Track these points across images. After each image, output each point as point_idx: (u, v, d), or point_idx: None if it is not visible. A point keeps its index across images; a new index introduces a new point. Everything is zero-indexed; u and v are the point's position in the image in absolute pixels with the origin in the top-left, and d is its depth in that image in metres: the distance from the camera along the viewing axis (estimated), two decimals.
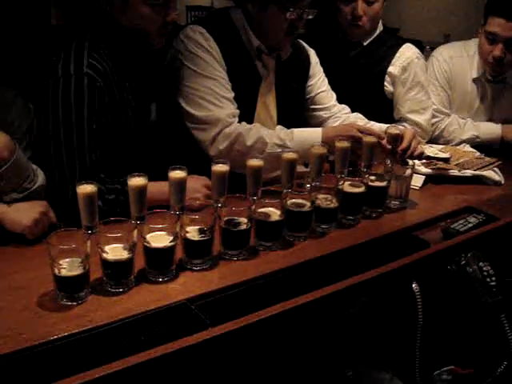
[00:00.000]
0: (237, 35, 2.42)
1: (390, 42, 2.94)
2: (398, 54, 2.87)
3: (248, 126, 2.33)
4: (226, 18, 2.45)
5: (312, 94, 2.72)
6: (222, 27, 2.41)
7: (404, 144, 2.31)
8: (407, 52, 2.88)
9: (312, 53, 2.76)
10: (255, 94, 2.47)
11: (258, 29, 2.40)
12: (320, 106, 2.73)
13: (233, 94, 2.35)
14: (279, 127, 2.38)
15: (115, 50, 2.07)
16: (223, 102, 2.30)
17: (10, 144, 1.76)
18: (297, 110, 2.70)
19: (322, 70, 2.77)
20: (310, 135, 2.35)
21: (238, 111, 2.35)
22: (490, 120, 3.06)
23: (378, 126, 2.52)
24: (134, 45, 2.10)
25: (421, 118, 2.88)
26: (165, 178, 1.88)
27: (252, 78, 2.45)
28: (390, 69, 2.86)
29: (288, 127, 2.43)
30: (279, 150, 2.27)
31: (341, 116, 2.71)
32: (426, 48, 6.46)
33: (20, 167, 1.79)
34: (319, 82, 2.74)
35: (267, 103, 2.53)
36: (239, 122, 2.35)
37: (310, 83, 2.71)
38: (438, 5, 9.13)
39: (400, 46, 2.91)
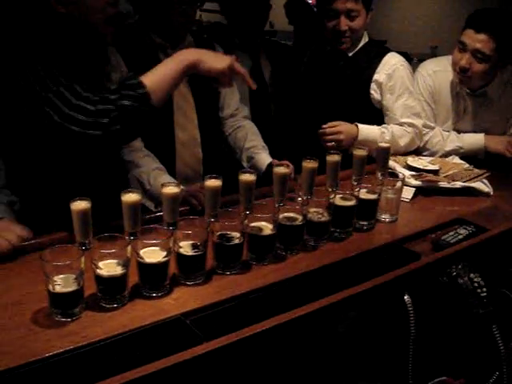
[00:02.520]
0: (139, 36, 2.55)
1: (375, 52, 2.97)
2: (382, 62, 2.90)
3: (137, 145, 2.41)
4: (130, 24, 2.61)
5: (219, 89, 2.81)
6: (125, 32, 2.54)
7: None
8: (391, 60, 2.91)
9: (218, 47, 2.83)
10: None
11: (156, 26, 2.53)
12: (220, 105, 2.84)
13: None
14: (154, 167, 2.41)
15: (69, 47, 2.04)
16: None
17: None
18: (214, 101, 2.80)
19: None
20: (166, 179, 2.32)
21: None
22: (473, 132, 3.08)
23: None
24: (85, 37, 2.07)
25: (416, 121, 2.91)
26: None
27: None
28: (376, 76, 2.89)
29: (207, 116, 2.70)
30: (140, 185, 2.34)
31: (234, 123, 2.85)
32: (413, 60, 6.51)
33: None
34: None
35: (184, 94, 2.62)
36: (160, 112, 2.45)
37: None
38: (425, 17, 9.21)
39: (384, 54, 2.94)
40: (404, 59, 2.97)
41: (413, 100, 2.89)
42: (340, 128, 2.75)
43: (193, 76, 2.58)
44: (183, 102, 2.61)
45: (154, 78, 1.86)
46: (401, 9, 9.65)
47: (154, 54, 2.54)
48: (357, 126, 2.79)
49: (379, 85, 2.88)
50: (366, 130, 2.75)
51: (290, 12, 6.62)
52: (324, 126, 2.73)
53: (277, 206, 1.99)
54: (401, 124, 2.89)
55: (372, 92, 2.90)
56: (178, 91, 2.56)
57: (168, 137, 2.58)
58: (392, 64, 2.89)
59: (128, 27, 2.57)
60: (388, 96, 2.87)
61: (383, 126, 2.88)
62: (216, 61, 1.93)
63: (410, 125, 2.88)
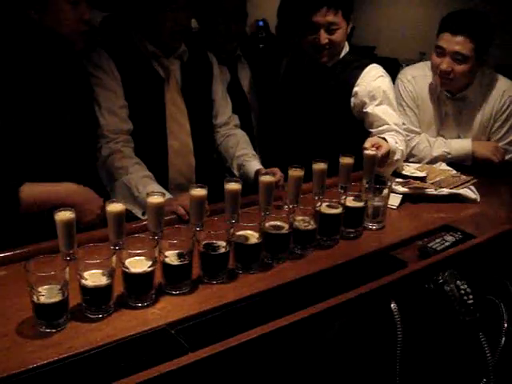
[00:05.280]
0: (133, 44, 2.55)
1: (356, 64, 2.93)
2: (362, 75, 2.86)
3: (128, 153, 2.44)
4: (122, 30, 2.62)
5: (213, 97, 2.83)
6: (118, 40, 2.58)
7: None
8: (371, 71, 2.87)
9: (211, 55, 2.86)
10: (161, 94, 2.57)
11: (148, 34, 2.53)
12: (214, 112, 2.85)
13: (120, 105, 2.47)
14: (143, 174, 2.40)
15: (34, 53, 2.09)
16: (108, 115, 2.44)
17: None
18: (207, 109, 2.81)
19: (219, 77, 2.88)
20: (154, 188, 2.31)
21: (126, 127, 2.48)
22: (457, 137, 3.10)
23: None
24: (54, 48, 2.12)
25: (399, 129, 2.84)
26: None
27: (154, 80, 2.57)
28: (356, 89, 2.84)
29: (200, 124, 2.70)
30: (129, 191, 2.33)
31: (226, 132, 2.87)
32: (402, 66, 6.52)
33: None
34: (218, 88, 2.85)
35: (177, 102, 2.62)
36: (152, 120, 2.55)
37: (213, 84, 2.82)
38: (414, 23, 9.22)
39: (365, 66, 2.89)
40: (384, 71, 2.92)
41: (392, 110, 2.85)
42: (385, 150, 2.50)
43: (185, 84, 2.59)
44: (176, 110, 2.61)
45: (32, 193, 1.94)
46: (390, 15, 9.66)
47: (147, 62, 2.54)
48: (385, 139, 2.57)
49: (360, 96, 2.82)
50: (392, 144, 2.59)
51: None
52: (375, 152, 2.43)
53: (263, 214, 1.99)
54: (389, 129, 2.82)
55: (353, 105, 2.85)
56: (170, 99, 2.57)
57: (160, 145, 2.58)
58: (372, 75, 2.85)
59: (122, 35, 2.58)
60: (369, 105, 2.80)
61: (388, 135, 2.68)
62: (84, 214, 2.00)
63: (397, 132, 2.83)
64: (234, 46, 3.08)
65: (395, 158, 2.59)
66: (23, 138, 2.03)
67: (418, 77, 3.10)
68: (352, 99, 2.85)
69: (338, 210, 2.05)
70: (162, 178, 2.46)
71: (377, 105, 2.79)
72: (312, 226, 1.98)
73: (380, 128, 2.74)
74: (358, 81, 2.85)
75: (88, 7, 2.14)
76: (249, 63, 3.22)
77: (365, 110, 2.81)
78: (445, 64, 2.85)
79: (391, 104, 2.82)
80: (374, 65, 2.92)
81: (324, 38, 2.77)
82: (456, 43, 2.81)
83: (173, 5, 2.41)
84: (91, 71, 2.43)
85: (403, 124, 2.96)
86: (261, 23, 8.36)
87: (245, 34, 3.27)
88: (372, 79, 2.83)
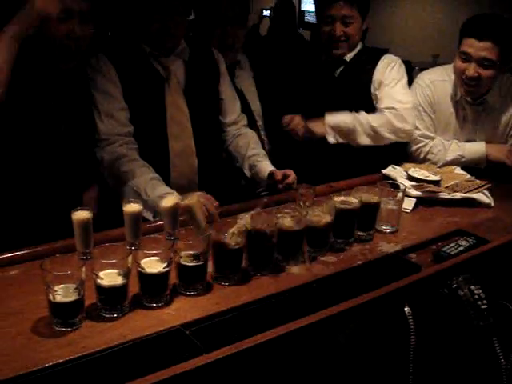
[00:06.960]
0: (133, 45, 2.55)
1: (372, 54, 3.05)
2: (379, 63, 2.98)
3: (133, 156, 2.43)
4: (124, 32, 2.66)
5: (221, 96, 2.82)
6: (119, 42, 2.63)
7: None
8: (386, 59, 3.00)
9: (217, 52, 2.83)
10: (162, 95, 2.55)
11: (144, 35, 2.52)
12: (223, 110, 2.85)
13: (118, 108, 2.46)
14: (150, 177, 2.37)
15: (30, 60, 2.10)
16: (106, 119, 2.44)
17: None
18: (211, 109, 2.78)
19: (227, 74, 2.86)
20: (163, 190, 2.30)
21: (125, 130, 2.47)
22: (474, 141, 3.09)
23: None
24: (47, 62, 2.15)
25: (397, 105, 2.91)
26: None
27: (154, 81, 2.55)
28: (374, 77, 2.96)
29: (203, 125, 2.66)
30: (138, 195, 2.28)
31: (236, 131, 2.87)
32: (415, 69, 6.52)
33: None
34: (226, 86, 2.84)
35: (178, 103, 2.60)
36: (153, 122, 2.53)
37: (221, 82, 2.81)
38: (427, 25, 9.22)
39: (381, 54, 3.03)
40: (399, 59, 3.05)
41: (401, 87, 2.96)
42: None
43: (189, 84, 2.58)
44: (177, 111, 2.58)
45: None
46: (402, 18, 9.65)
47: (148, 62, 2.53)
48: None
49: (378, 81, 2.95)
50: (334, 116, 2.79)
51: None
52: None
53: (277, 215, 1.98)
54: (380, 110, 2.92)
55: (373, 92, 2.96)
56: (171, 101, 2.56)
57: (162, 148, 2.55)
58: (386, 62, 2.98)
59: (119, 36, 2.58)
60: (383, 87, 2.95)
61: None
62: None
63: (388, 107, 2.88)
64: (232, 55, 3.05)
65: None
66: (18, 143, 2.05)
67: (437, 81, 3.09)
68: (371, 88, 2.96)
69: (354, 206, 2.05)
70: (164, 180, 2.42)
71: (383, 86, 2.94)
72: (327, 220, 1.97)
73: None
74: (375, 69, 2.97)
75: (80, 24, 2.14)
76: (251, 64, 3.21)
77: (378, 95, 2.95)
78: (471, 70, 2.84)
79: (398, 81, 2.97)
80: (389, 55, 3.06)
81: (339, 29, 2.90)
82: (482, 49, 2.78)
83: (158, 7, 2.40)
84: (90, 75, 2.44)
85: (417, 128, 3.02)
86: (266, 13, 8.16)
87: (247, 37, 3.23)
88: (386, 63, 2.98)
